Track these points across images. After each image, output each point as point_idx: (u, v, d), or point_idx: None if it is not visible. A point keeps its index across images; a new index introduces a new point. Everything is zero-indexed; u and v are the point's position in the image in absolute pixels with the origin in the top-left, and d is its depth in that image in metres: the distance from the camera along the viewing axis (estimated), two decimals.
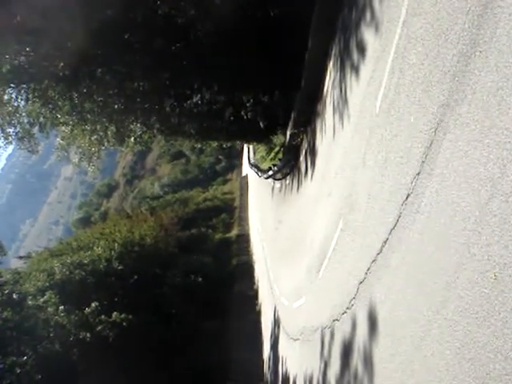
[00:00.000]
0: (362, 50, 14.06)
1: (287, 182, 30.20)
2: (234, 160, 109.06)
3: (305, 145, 24.18)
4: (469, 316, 6.28)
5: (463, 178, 6.88)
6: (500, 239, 5.91)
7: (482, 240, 6.23)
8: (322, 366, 14.10)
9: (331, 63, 18.74)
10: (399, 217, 9.12)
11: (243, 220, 75.26)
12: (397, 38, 10.51)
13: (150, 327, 35.11)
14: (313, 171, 21.12)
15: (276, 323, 26.39)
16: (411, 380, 7.78)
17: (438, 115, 7.94)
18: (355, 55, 14.70)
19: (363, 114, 13.28)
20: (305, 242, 19.81)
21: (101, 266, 40.02)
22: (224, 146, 50.28)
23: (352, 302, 11.48)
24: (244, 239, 65.99)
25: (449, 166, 7.37)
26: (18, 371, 27.20)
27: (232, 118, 28.23)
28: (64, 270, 37.37)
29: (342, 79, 16.22)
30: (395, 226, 9.28)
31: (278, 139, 35.61)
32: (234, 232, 74.09)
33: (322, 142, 19.55)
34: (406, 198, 8.86)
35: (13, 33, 20.31)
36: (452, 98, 7.53)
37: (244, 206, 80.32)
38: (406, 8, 10.09)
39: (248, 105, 26.78)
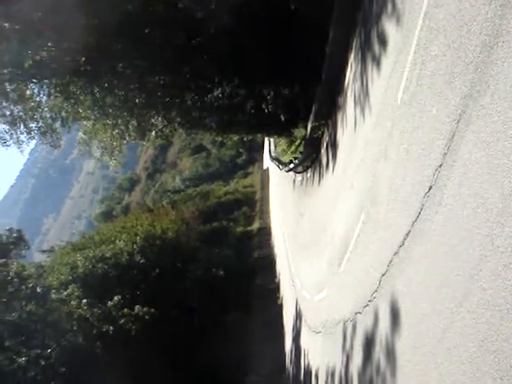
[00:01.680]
0: (383, 41, 13.98)
1: (308, 174, 30.15)
2: (254, 153, 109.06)
3: (326, 137, 24.12)
4: (492, 308, 6.25)
5: (486, 169, 6.84)
6: None
7: (506, 232, 6.20)
8: (344, 358, 14.09)
9: (352, 55, 18.66)
10: (421, 209, 9.08)
11: (264, 213, 75.37)
12: (418, 29, 10.44)
13: (172, 320, 35.28)
14: (334, 164, 21.07)
15: (298, 316, 26.40)
16: (434, 372, 7.76)
17: (460, 107, 7.89)
18: (376, 47, 14.63)
19: (385, 106, 13.22)
20: (326, 234, 19.78)
21: (123, 259, 40.28)
22: (245, 139, 50.39)
23: (374, 295, 11.46)
24: (265, 232, 66.10)
25: (471, 158, 7.33)
26: (43, 363, 27.49)
27: (253, 111, 28.18)
28: (87, 263, 37.68)
29: (364, 71, 16.15)
30: (417, 218, 9.24)
31: (299, 132, 35.55)
32: (256, 225, 74.24)
33: (344, 135, 19.50)
34: (429, 190, 8.82)
35: (34, 28, 20.43)
36: (474, 89, 7.48)
37: (265, 199, 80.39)
38: None
39: (269, 98, 26.72)
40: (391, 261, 10.43)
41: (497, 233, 6.39)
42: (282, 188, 53.17)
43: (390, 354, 9.95)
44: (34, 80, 23.73)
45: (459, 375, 6.87)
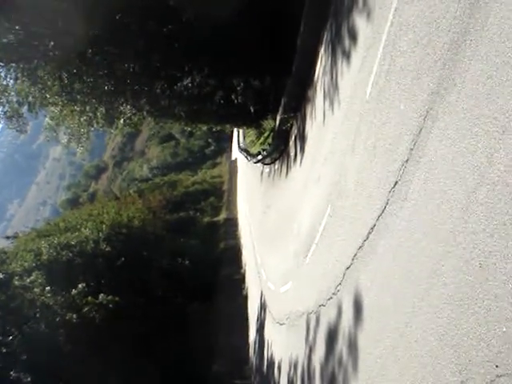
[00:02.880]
0: (353, 36, 14.03)
1: (276, 166, 30.20)
2: (223, 144, 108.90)
3: (295, 130, 24.17)
4: (453, 303, 6.33)
5: (451, 166, 6.92)
6: (486, 227, 5.95)
7: (468, 228, 6.28)
8: (307, 350, 14.17)
9: (323, 49, 18.69)
10: (387, 204, 9.16)
11: (232, 204, 75.36)
12: (388, 24, 10.50)
13: (136, 309, 35.14)
14: (302, 156, 21.13)
15: (262, 307, 26.47)
16: (395, 366, 7.85)
17: (427, 103, 7.96)
18: (347, 41, 14.68)
19: (353, 100, 13.28)
20: (293, 227, 19.84)
21: (88, 247, 39.94)
22: (214, 129, 50.16)
23: (338, 288, 11.53)
24: (232, 223, 66.14)
25: (437, 154, 7.41)
26: (4, 350, 27.21)
27: (222, 101, 28.10)
28: (51, 250, 37.30)
29: (333, 65, 16.19)
30: (382, 212, 9.32)
31: (268, 124, 35.55)
32: (222, 216, 74.26)
33: (312, 128, 19.54)
34: (394, 185, 8.90)
35: (2, 11, 20.13)
36: (442, 86, 7.55)
37: (233, 190, 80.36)
38: None
39: (238, 89, 26.65)
40: (356, 254, 10.50)
41: (460, 229, 6.46)
42: (249, 179, 53.21)
43: (352, 346, 10.04)
44: (1, 63, 23.39)
45: (419, 368, 6.95)
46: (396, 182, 8.84)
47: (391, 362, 8.03)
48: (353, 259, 10.66)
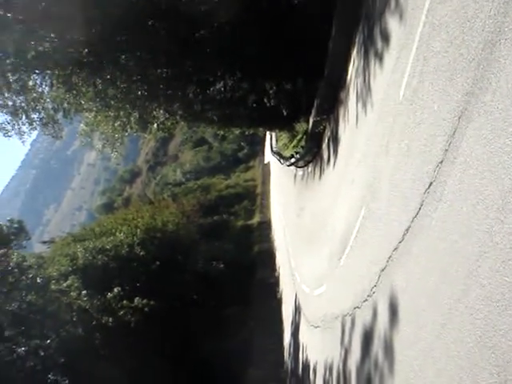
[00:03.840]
0: (386, 37, 14.00)
1: (309, 169, 30.17)
2: (256, 147, 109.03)
3: (327, 132, 24.14)
4: (490, 304, 6.28)
5: (486, 166, 6.86)
6: None
7: (505, 228, 6.23)
8: (343, 353, 14.13)
9: (355, 51, 18.67)
10: (421, 205, 9.11)
11: (265, 207, 75.44)
12: (421, 25, 10.45)
13: (171, 313, 35.35)
14: (335, 159, 21.09)
15: (297, 310, 26.44)
16: (432, 368, 7.80)
17: (461, 103, 7.91)
18: (379, 43, 14.64)
19: (387, 101, 13.24)
20: (327, 229, 19.82)
21: (123, 251, 40.32)
22: (246, 132, 50.33)
23: (373, 290, 11.49)
24: (266, 226, 66.15)
25: (472, 155, 7.36)
26: (42, 354, 27.57)
27: (255, 104, 28.20)
28: (87, 255, 37.73)
29: (366, 67, 16.16)
30: (417, 214, 9.27)
31: (300, 127, 35.59)
32: (256, 219, 74.30)
33: (345, 130, 19.51)
34: (429, 186, 8.85)
35: (38, 19, 20.44)
36: (476, 86, 7.50)
37: (266, 193, 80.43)
38: None
39: (271, 92, 26.72)
40: (391, 256, 10.46)
41: (496, 229, 6.41)
42: (282, 182, 53.20)
43: (388, 348, 9.99)
44: (37, 71, 23.74)
45: (456, 370, 6.90)
46: (431, 183, 8.79)
47: (428, 363, 7.98)
48: (388, 261, 10.62)
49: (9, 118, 24.40)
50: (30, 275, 29.21)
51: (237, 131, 46.59)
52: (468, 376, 6.57)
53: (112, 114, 26.71)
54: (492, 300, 6.26)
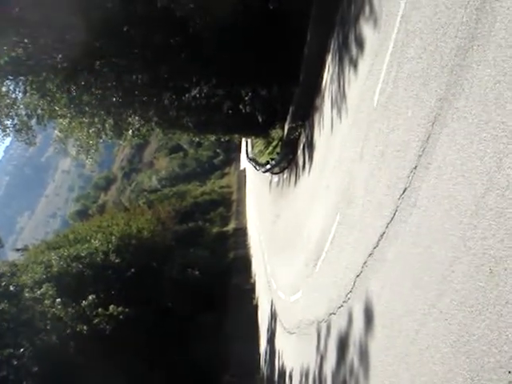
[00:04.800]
0: (360, 44, 14.07)
1: (285, 175, 30.21)
2: (231, 154, 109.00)
3: (303, 139, 24.19)
4: (464, 309, 6.31)
5: (460, 171, 6.90)
6: (496, 233, 5.93)
7: (478, 234, 6.26)
8: (319, 359, 14.13)
9: (330, 57, 18.74)
10: (396, 210, 9.14)
11: (241, 214, 75.32)
12: (395, 32, 10.52)
13: (146, 320, 35.14)
14: (310, 165, 21.14)
15: (273, 317, 26.43)
16: (406, 373, 7.81)
17: (435, 109, 7.96)
18: (354, 49, 14.71)
19: (361, 108, 13.30)
20: (302, 235, 19.83)
21: (98, 258, 39.98)
22: (222, 139, 50.35)
23: (348, 296, 11.50)
24: (241, 233, 66.04)
25: (446, 160, 7.40)
26: (15, 363, 27.24)
27: (230, 111, 28.22)
28: (61, 262, 37.34)
29: (341, 73, 16.22)
30: (392, 219, 9.30)
31: (276, 133, 35.66)
32: (232, 226, 74.15)
33: (320, 136, 19.57)
34: (403, 191, 8.88)
35: (11, 24, 20.28)
36: (450, 91, 7.54)
37: (242, 200, 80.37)
38: (405, 2, 10.10)
39: (246, 98, 26.75)
40: (365, 262, 10.48)
41: (469, 234, 6.44)
42: (258, 189, 53.22)
43: (364, 354, 10.00)
44: (10, 77, 23.57)
45: (431, 376, 6.91)
46: (405, 189, 8.83)
47: (402, 369, 7.99)
48: (363, 267, 10.64)
49: None
50: (3, 283, 28.92)
51: (212, 138, 46.61)
52: (442, 382, 6.58)
53: (87, 121, 26.59)
54: (466, 305, 6.28)
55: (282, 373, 21.14)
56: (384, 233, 9.65)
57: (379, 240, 9.85)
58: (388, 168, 10.04)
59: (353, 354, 10.68)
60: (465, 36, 7.29)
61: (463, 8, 7.41)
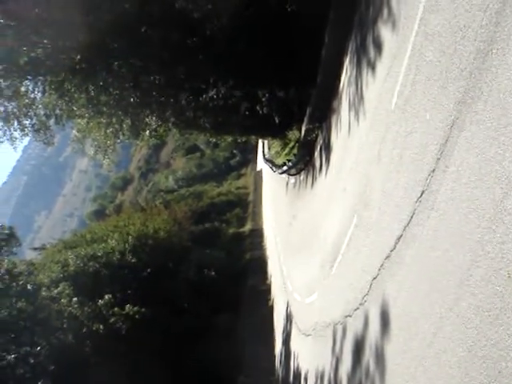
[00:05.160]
0: (378, 46, 14.03)
1: (301, 177, 30.18)
2: (248, 155, 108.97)
3: (320, 141, 24.16)
4: (481, 314, 6.28)
5: (478, 175, 6.87)
6: None
7: (496, 238, 6.23)
8: (334, 361, 14.10)
9: (347, 60, 18.71)
10: (413, 214, 9.11)
11: (257, 215, 75.35)
12: (414, 34, 10.48)
13: (162, 320, 35.24)
14: (327, 167, 21.10)
15: (288, 318, 26.42)
16: (423, 376, 7.79)
17: (453, 112, 7.92)
18: (372, 52, 14.68)
19: (379, 110, 13.27)
20: (318, 237, 19.81)
21: (114, 258, 40.21)
22: (239, 140, 50.34)
23: (365, 298, 11.48)
24: (257, 234, 66.10)
25: (464, 164, 7.37)
26: (32, 361, 27.39)
27: (247, 112, 28.21)
28: (78, 261, 37.60)
29: (358, 76, 16.19)
30: (409, 222, 9.27)
31: (293, 135, 35.58)
32: (248, 227, 74.24)
33: (337, 138, 19.54)
34: (421, 194, 8.85)
35: (31, 25, 20.42)
36: (468, 95, 7.51)
37: (258, 201, 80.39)
38: (424, 5, 10.06)
39: (263, 100, 26.74)
40: (382, 264, 10.46)
41: (488, 238, 6.41)
42: (274, 190, 53.20)
43: (380, 357, 9.98)
44: (29, 77, 23.70)
45: (447, 379, 6.89)
46: (423, 192, 8.80)
47: (419, 372, 7.97)
48: (379, 269, 10.61)
49: (0, 123, 24.33)
50: (21, 282, 29.05)
51: (229, 139, 46.63)
52: None
53: (104, 121, 26.69)
54: (483, 309, 6.25)
55: (297, 374, 21.13)
56: (401, 235, 9.62)
57: (396, 243, 9.82)
58: (406, 171, 10.01)
59: (369, 356, 10.66)
60: (484, 39, 7.26)
61: (482, 11, 7.38)
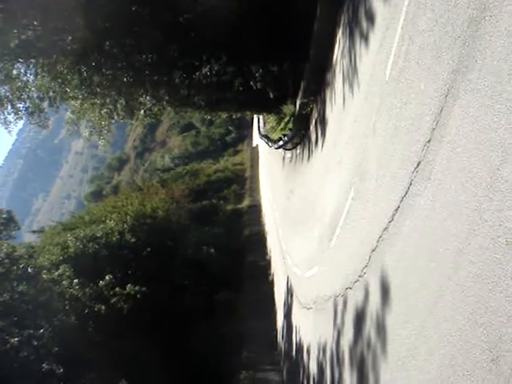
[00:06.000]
0: (370, 17, 13.95)
1: (298, 151, 30.15)
2: (244, 131, 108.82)
3: (315, 114, 24.10)
4: (480, 281, 6.32)
5: (474, 144, 6.87)
6: (511, 204, 5.92)
7: (494, 206, 6.25)
8: (336, 334, 14.19)
9: (340, 32, 18.61)
10: (410, 184, 9.12)
11: (254, 190, 75.42)
12: (406, 4, 10.43)
13: (163, 299, 35.39)
14: (323, 140, 21.07)
15: (289, 293, 26.53)
16: (424, 346, 7.85)
17: (448, 81, 7.91)
18: (364, 23, 14.60)
19: (373, 82, 13.23)
20: (316, 211, 19.83)
21: (114, 238, 40.28)
22: (234, 116, 50.15)
23: (364, 270, 11.53)
24: (255, 210, 66.18)
25: (459, 133, 7.36)
26: (35, 343, 27.55)
27: (241, 88, 28.05)
28: (77, 243, 37.67)
29: (352, 48, 16.12)
30: (406, 193, 9.29)
31: (287, 109, 35.44)
32: (246, 203, 74.33)
33: (332, 111, 19.49)
34: (417, 165, 8.86)
35: (20, 7, 20.26)
36: (462, 63, 7.49)
37: (255, 177, 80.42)
38: None
39: (257, 75, 26.59)
40: (381, 236, 10.49)
41: (485, 207, 6.43)
42: (271, 165, 53.17)
43: (381, 328, 10.04)
44: (21, 60, 23.53)
45: (448, 348, 6.94)
46: (419, 162, 8.80)
47: (420, 342, 8.03)
48: (378, 241, 10.65)
49: None
50: (21, 265, 29.13)
51: (224, 115, 46.43)
52: (460, 353, 6.61)
53: (98, 102, 26.55)
54: (482, 277, 6.29)
55: (300, 348, 21.27)
56: (398, 207, 9.64)
57: (394, 214, 9.84)
58: (401, 142, 10.01)
59: (370, 327, 10.72)
60: (477, 7, 7.22)
61: None
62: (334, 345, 14.23)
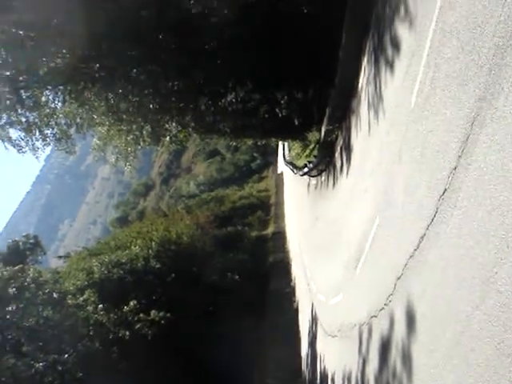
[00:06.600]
0: (396, 45, 13.99)
1: (323, 178, 30.15)
2: (269, 157, 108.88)
3: (340, 141, 24.13)
4: (508, 311, 6.24)
5: (500, 171, 6.83)
6: None
7: None
8: (361, 362, 14.07)
9: (365, 59, 18.67)
10: (436, 212, 9.07)
11: (279, 217, 75.27)
12: (431, 32, 10.44)
13: (188, 325, 35.34)
14: (348, 167, 21.07)
15: (313, 320, 26.39)
16: (451, 375, 7.75)
17: (474, 109, 7.88)
18: (390, 50, 14.63)
19: (398, 109, 13.23)
20: (342, 238, 19.78)
21: (139, 264, 40.41)
22: (259, 143, 50.32)
23: (390, 298, 11.44)
24: (280, 236, 66.00)
25: (486, 160, 7.32)
26: (60, 368, 27.59)
27: (266, 115, 28.17)
28: (103, 269, 37.84)
29: (377, 75, 16.15)
30: (432, 221, 9.23)
31: (312, 136, 35.52)
32: (270, 229, 74.14)
33: (358, 138, 19.50)
34: (443, 192, 8.81)
35: (50, 36, 20.59)
36: (488, 91, 7.47)
37: (280, 204, 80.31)
38: (440, 2, 10.02)
39: (282, 102, 26.72)
40: (406, 264, 10.42)
41: None
42: (296, 192, 53.16)
43: (406, 357, 9.94)
44: (49, 87, 23.85)
45: (476, 378, 6.85)
46: (445, 190, 8.75)
47: (447, 372, 7.93)
48: (404, 269, 10.58)
49: (22, 134, 24.49)
50: (47, 290, 29.32)
51: (249, 142, 46.63)
52: None
53: (125, 128, 26.78)
54: (510, 307, 6.21)
55: (324, 376, 21.10)
56: (424, 234, 9.58)
57: (420, 242, 9.78)
58: (427, 169, 9.96)
59: (395, 356, 10.62)
60: (503, 35, 7.21)
61: (500, 6, 7.33)
62: (359, 373, 14.10)
